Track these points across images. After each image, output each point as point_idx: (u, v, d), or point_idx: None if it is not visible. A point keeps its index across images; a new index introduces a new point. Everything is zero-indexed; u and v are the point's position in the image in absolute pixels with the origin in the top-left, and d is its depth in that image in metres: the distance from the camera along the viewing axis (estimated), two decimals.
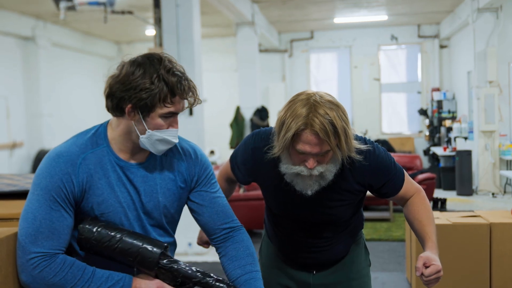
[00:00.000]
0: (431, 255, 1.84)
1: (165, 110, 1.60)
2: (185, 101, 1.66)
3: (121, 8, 7.17)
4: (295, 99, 1.84)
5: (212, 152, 13.42)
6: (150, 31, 10.92)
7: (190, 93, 1.64)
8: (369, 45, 13.57)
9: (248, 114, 10.54)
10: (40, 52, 10.79)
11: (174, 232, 1.84)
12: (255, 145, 2.03)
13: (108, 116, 1.74)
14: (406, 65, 13.86)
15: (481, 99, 9.71)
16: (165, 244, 1.65)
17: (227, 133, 11.64)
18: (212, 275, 1.66)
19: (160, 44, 6.33)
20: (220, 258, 1.82)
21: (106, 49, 13.88)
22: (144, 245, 1.61)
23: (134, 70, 1.58)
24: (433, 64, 13.32)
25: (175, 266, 1.63)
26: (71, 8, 6.17)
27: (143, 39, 13.27)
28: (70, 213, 1.62)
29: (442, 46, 13.30)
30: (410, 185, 2.08)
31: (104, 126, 1.70)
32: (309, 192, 1.90)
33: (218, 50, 13.82)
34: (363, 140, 2.00)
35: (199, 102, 1.68)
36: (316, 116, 1.75)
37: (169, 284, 1.63)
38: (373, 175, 1.98)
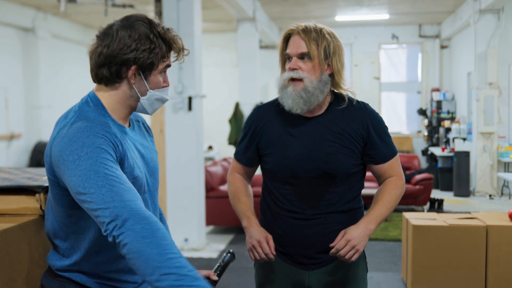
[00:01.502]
0: (352, 231, 1.97)
1: (163, 65, 1.66)
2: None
3: (122, 2, 7.14)
4: None
5: (210, 148, 13.40)
6: None
7: (182, 45, 1.69)
8: (370, 44, 13.54)
9: (247, 110, 10.50)
10: (40, 43, 10.74)
11: None
12: (257, 105, 2.29)
13: None
14: (406, 64, 13.83)
15: (480, 100, 9.70)
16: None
17: (226, 129, 11.62)
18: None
19: None
20: None
21: None
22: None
23: (130, 33, 1.59)
24: (433, 64, 13.30)
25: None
26: (72, 0, 6.13)
27: None
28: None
29: (442, 47, 13.27)
30: (397, 165, 2.17)
31: (95, 97, 1.66)
32: (295, 108, 2.01)
33: (219, 45, 13.79)
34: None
35: (187, 53, 1.70)
36: (305, 23, 2.06)
37: None
38: (369, 125, 2.09)
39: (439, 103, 12.57)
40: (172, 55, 1.69)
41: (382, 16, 12.18)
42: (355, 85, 12.33)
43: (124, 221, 1.37)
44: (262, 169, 2.22)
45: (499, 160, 9.73)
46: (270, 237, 2.05)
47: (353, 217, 2.13)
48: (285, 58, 2.08)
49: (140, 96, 1.66)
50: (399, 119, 13.74)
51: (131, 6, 7.20)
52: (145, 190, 1.68)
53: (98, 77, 1.64)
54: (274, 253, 2.04)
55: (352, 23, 13.10)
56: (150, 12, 9.10)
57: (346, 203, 2.12)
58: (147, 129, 1.86)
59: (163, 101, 1.72)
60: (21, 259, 1.72)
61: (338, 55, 2.04)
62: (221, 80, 13.67)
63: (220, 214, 7.03)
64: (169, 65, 1.69)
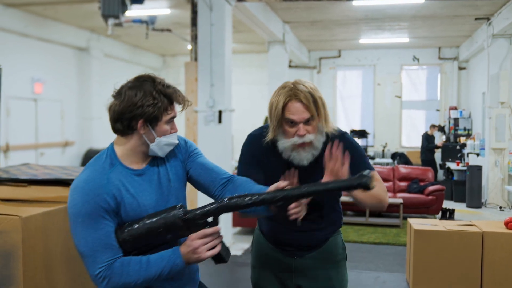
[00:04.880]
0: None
1: (168, 116, 1.79)
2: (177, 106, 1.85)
3: (163, 26, 7.43)
4: (278, 88, 2.14)
5: None
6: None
7: (182, 98, 1.82)
8: (392, 65, 13.61)
9: None
10: (93, 61, 11.22)
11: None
12: (252, 133, 2.29)
13: None
14: (426, 84, 13.82)
15: (492, 118, 9.67)
16: (178, 205, 1.77)
17: None
18: (224, 199, 1.75)
19: (195, 59, 6.58)
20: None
21: (152, 60, 14.28)
22: (163, 214, 1.74)
23: (136, 92, 1.75)
24: (451, 84, 13.26)
25: (197, 212, 1.73)
26: (118, 24, 6.47)
27: (185, 52, 13.61)
28: (113, 223, 1.71)
29: (460, 68, 13.23)
30: (379, 181, 2.20)
31: (111, 149, 1.82)
32: (305, 162, 2.09)
33: (252, 65, 14.07)
34: (338, 128, 2.24)
35: (189, 104, 1.84)
36: (298, 89, 2.06)
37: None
38: (351, 152, 2.07)
39: (456, 120, 12.52)
40: (178, 106, 1.83)
41: (402, 40, 12.24)
42: (377, 103, 12.45)
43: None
44: None
45: (509, 174, 9.65)
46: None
47: (333, 226, 2.32)
48: (281, 120, 2.09)
49: (149, 143, 1.79)
50: (418, 135, 13.69)
51: (168, 30, 7.51)
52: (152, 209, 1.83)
53: (115, 129, 1.80)
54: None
55: (375, 46, 13.19)
56: (186, 35, 9.44)
57: (330, 216, 2.29)
58: (180, 148, 1.96)
59: (171, 145, 1.84)
60: (55, 237, 1.98)
61: (324, 105, 2.11)
62: (254, 96, 13.91)
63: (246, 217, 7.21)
64: (174, 116, 1.81)
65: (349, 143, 2.17)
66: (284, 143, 2.10)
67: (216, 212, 1.73)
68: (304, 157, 2.10)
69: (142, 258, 1.70)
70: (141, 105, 1.73)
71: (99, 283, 1.67)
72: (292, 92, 2.06)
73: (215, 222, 1.74)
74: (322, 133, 2.13)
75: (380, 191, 2.17)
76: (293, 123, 2.07)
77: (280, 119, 2.08)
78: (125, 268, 1.67)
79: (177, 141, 1.87)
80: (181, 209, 1.74)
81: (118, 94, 1.78)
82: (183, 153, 1.96)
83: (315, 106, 2.06)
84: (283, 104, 2.06)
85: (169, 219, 1.71)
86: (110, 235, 1.69)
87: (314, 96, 2.07)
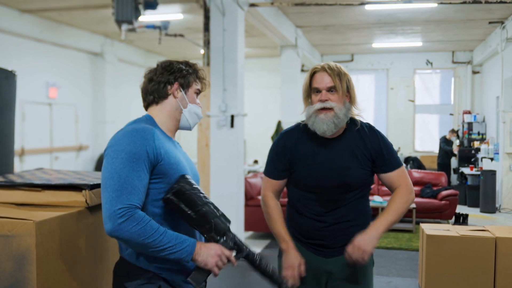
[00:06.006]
0: (361, 237, 2.18)
1: (196, 86, 2.04)
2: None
3: (175, 31, 7.48)
4: None
5: (256, 162, 13.66)
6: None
7: (204, 75, 2.06)
8: (405, 69, 13.55)
9: None
10: (107, 66, 11.33)
11: None
12: (283, 131, 2.44)
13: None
14: (439, 88, 13.75)
15: (506, 122, 9.58)
16: (230, 220, 1.91)
17: (269, 145, 11.82)
18: (255, 253, 1.92)
19: (208, 64, 6.61)
20: None
21: None
22: (220, 215, 1.86)
23: (169, 63, 2.01)
24: (465, 88, 13.18)
25: (236, 238, 1.89)
26: (132, 30, 6.53)
27: (198, 57, 13.66)
28: (148, 174, 1.81)
29: (474, 72, 13.15)
30: (404, 175, 2.35)
31: (148, 116, 1.99)
32: (325, 127, 2.21)
33: (265, 69, 14.10)
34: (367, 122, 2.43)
35: (206, 85, 2.09)
36: (326, 63, 2.28)
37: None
38: (379, 142, 2.32)
39: (470, 124, 12.44)
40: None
41: (416, 44, 12.20)
42: (390, 107, 12.41)
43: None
44: (289, 180, 2.41)
45: None
46: (302, 261, 2.29)
47: (364, 219, 2.36)
48: (310, 92, 2.29)
49: (182, 108, 1.99)
50: (432, 139, 13.64)
51: (181, 35, 7.56)
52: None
53: (149, 100, 2.00)
54: (304, 274, 2.29)
55: (388, 50, 13.16)
56: (199, 40, 9.49)
57: (358, 207, 2.34)
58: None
59: (198, 117, 2.05)
60: (68, 241, 2.01)
61: (353, 88, 2.30)
62: (267, 100, 13.94)
63: (258, 221, 7.23)
64: (199, 89, 2.06)
65: (379, 136, 2.34)
66: (308, 109, 2.27)
67: (246, 255, 1.90)
68: (325, 122, 2.21)
69: (160, 227, 1.77)
70: (176, 70, 1.98)
71: (116, 218, 1.70)
72: (319, 65, 2.29)
73: (237, 257, 1.89)
74: (347, 108, 2.27)
75: (400, 205, 2.29)
76: (317, 92, 2.25)
77: (308, 90, 2.29)
78: (145, 221, 1.73)
79: (202, 116, 2.10)
80: (230, 228, 1.89)
81: (151, 70, 2.03)
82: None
83: (339, 79, 2.22)
84: (310, 75, 2.28)
85: (219, 225, 1.84)
86: (143, 183, 1.78)
87: (340, 70, 2.24)
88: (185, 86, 2.00)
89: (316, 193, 2.30)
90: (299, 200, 2.36)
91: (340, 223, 2.31)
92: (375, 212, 7.20)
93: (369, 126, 2.37)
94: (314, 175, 2.28)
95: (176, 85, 1.98)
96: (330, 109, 2.20)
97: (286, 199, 2.47)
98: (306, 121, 2.30)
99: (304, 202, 2.34)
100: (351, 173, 2.27)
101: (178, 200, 1.80)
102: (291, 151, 2.33)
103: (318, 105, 2.22)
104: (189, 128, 2.05)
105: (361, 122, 2.35)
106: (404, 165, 2.37)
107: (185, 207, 1.80)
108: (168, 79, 1.97)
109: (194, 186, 1.84)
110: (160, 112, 1.99)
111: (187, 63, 2.03)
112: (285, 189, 2.46)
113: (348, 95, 2.28)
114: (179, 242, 1.77)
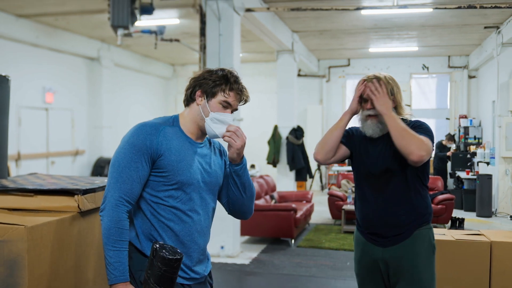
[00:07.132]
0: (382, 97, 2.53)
1: (223, 98, 2.05)
2: (238, 102, 2.11)
3: (172, 36, 7.49)
4: None
5: (252, 166, 13.66)
6: None
7: (242, 91, 2.09)
8: (401, 73, 13.57)
9: (284, 132, 10.71)
10: (103, 71, 11.33)
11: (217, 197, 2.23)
12: (350, 127, 2.80)
13: None
14: (436, 92, 13.79)
15: (502, 127, 9.61)
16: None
17: (267, 150, 11.83)
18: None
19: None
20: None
21: (162, 70, 14.37)
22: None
23: (207, 70, 2.11)
24: (461, 92, 13.21)
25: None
26: (128, 35, 6.54)
27: (195, 61, 13.68)
28: (146, 166, 1.97)
29: (470, 76, 13.18)
30: (426, 138, 2.52)
31: (176, 116, 2.14)
32: (371, 132, 2.58)
33: (261, 74, 14.12)
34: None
35: (248, 100, 2.13)
36: (374, 74, 2.62)
37: None
38: (417, 127, 2.55)
39: (466, 129, 12.46)
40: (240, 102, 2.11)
41: (412, 48, 12.23)
42: None
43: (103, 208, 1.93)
44: (353, 169, 2.79)
45: None
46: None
47: (412, 205, 2.58)
48: (361, 98, 2.62)
49: (204, 117, 2.05)
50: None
51: (177, 40, 7.56)
52: (194, 187, 2.04)
53: (184, 102, 2.14)
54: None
55: (385, 54, 13.19)
56: (195, 45, 9.50)
57: (404, 192, 2.59)
58: (221, 151, 2.25)
59: (223, 123, 2.05)
60: (60, 246, 2.00)
61: (398, 93, 2.60)
62: (264, 105, 13.93)
63: (254, 226, 7.22)
64: (227, 102, 2.06)
65: (417, 125, 2.57)
66: (361, 114, 2.63)
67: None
68: (370, 127, 2.58)
69: (128, 248, 1.93)
70: (204, 78, 2.07)
71: (106, 201, 1.91)
72: (367, 76, 2.60)
73: None
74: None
75: (410, 136, 2.41)
76: (366, 101, 2.58)
77: (358, 98, 2.61)
78: (122, 223, 1.91)
79: (230, 121, 2.07)
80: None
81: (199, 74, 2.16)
82: (224, 152, 2.26)
83: (383, 88, 2.50)
84: (360, 83, 2.61)
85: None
86: (138, 174, 1.95)
87: (384, 80, 2.54)
88: (209, 95, 2.06)
89: (367, 178, 2.65)
90: (359, 187, 2.71)
91: (388, 207, 2.56)
92: None
93: (413, 123, 2.60)
94: (364, 166, 2.66)
95: (199, 93, 2.06)
96: (375, 116, 2.55)
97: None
98: (360, 124, 2.68)
99: (361, 191, 2.70)
100: (391, 161, 2.57)
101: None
102: (353, 141, 2.73)
103: (366, 112, 2.60)
104: (216, 136, 2.08)
105: (410, 121, 2.61)
106: (432, 142, 2.59)
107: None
108: (194, 86, 2.08)
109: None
110: (186, 114, 2.11)
111: (222, 74, 2.07)
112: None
113: (394, 101, 2.56)
114: (116, 266, 1.88)
